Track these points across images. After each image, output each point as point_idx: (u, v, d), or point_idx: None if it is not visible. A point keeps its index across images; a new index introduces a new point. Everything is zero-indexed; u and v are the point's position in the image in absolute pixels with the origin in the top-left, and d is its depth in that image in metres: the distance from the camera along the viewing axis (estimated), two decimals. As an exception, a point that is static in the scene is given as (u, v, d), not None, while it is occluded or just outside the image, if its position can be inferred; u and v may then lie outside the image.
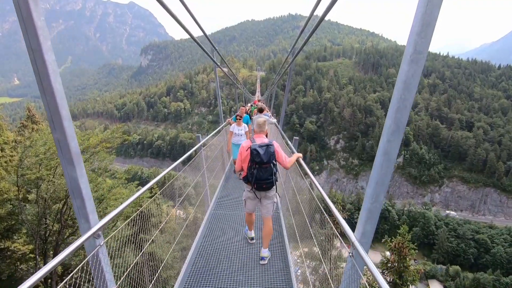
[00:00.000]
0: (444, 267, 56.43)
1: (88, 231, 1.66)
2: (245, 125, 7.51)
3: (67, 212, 7.74)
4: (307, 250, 3.91)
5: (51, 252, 7.92)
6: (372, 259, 1.56)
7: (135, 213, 2.70)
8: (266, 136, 4.30)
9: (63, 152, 1.51)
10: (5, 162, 8.39)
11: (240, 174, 3.86)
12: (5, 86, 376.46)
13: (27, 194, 8.00)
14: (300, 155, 3.87)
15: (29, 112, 14.72)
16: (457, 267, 55.10)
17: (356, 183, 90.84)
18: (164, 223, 3.40)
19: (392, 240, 12.30)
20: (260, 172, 3.53)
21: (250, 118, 8.79)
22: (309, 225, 3.28)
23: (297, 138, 4.49)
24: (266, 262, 4.03)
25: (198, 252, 4.19)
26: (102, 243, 1.81)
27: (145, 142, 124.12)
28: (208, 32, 5.09)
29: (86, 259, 1.76)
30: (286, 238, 4.48)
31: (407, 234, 12.24)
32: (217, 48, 6.82)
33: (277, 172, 3.68)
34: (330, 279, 2.45)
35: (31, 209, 7.25)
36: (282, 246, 4.36)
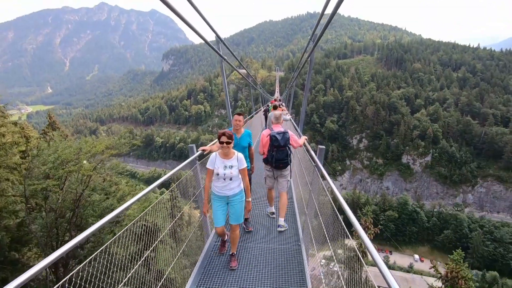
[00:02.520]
0: (480, 272, 52.78)
1: None
2: (240, 156, 3.60)
3: (77, 222, 7.51)
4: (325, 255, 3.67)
5: (60, 264, 7.86)
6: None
7: (129, 224, 2.34)
8: None
9: None
10: (25, 169, 8.50)
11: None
12: (40, 95, 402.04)
13: (40, 204, 7.94)
14: (306, 137, 4.78)
15: (49, 119, 15.28)
16: (495, 273, 51.42)
17: (381, 183, 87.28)
18: (161, 237, 3.06)
19: (443, 266, 9.55)
20: (278, 154, 4.48)
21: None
22: (325, 231, 2.92)
23: (323, 147, 3.88)
24: (282, 229, 4.69)
25: (207, 262, 3.96)
26: None
27: (167, 145, 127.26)
28: (226, 35, 4.82)
29: None
30: (303, 242, 4.19)
31: (462, 261, 9.41)
32: (234, 50, 6.15)
33: (291, 154, 4.61)
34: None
35: (41, 220, 7.04)
36: (298, 249, 4.17)
